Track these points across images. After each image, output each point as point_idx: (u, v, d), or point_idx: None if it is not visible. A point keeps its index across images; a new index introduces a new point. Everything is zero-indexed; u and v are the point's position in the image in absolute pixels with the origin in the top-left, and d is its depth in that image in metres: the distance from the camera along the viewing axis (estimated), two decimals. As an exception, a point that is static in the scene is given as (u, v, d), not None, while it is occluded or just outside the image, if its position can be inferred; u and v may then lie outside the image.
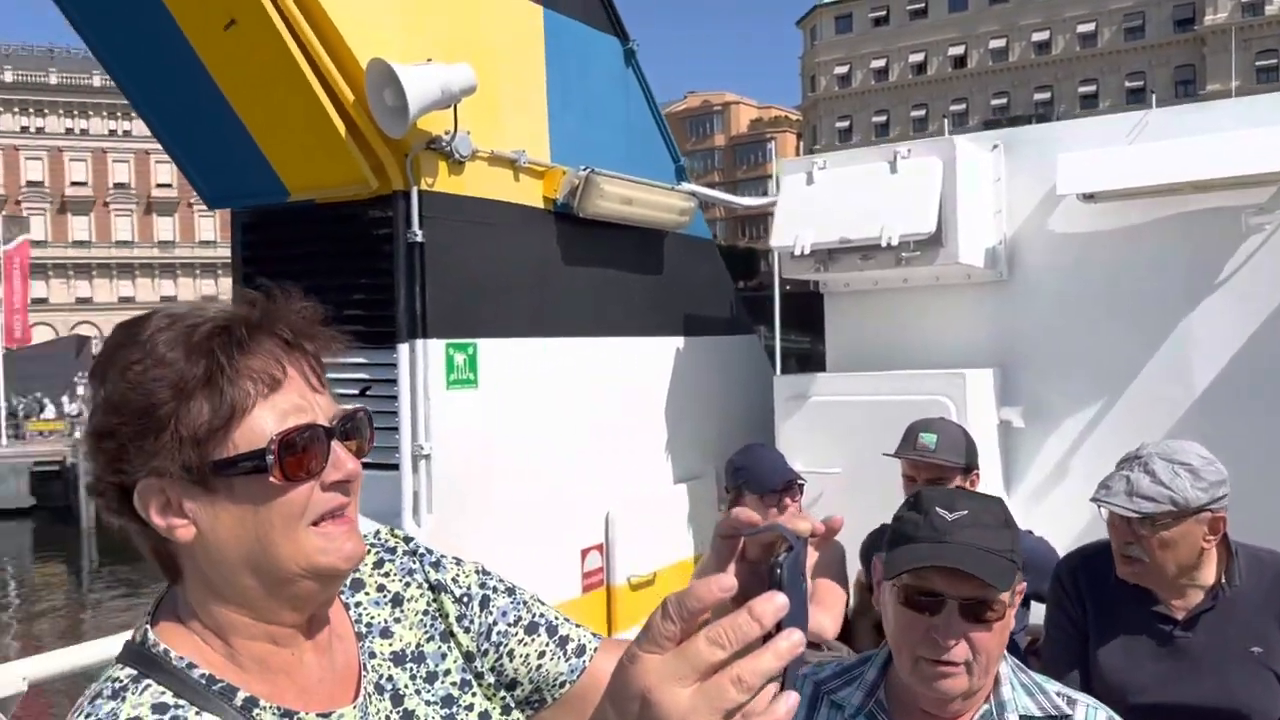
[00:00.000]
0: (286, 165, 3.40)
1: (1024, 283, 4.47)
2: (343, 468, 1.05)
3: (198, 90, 3.27)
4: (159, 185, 74.34)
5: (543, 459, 3.84)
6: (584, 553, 4.07)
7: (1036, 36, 65.60)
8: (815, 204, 4.32)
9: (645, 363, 4.50)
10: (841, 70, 72.44)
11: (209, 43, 3.17)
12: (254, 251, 3.66)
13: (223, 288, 75.86)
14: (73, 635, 20.32)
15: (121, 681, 1.01)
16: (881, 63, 71.15)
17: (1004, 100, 66.25)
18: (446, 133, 3.40)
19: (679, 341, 4.72)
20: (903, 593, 1.62)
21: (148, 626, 1.06)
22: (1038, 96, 65.09)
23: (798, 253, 4.24)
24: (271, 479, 1.00)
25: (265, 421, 1.00)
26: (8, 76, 70.71)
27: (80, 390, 41.36)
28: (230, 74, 3.23)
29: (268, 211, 3.59)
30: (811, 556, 0.96)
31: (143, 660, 1.03)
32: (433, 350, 3.40)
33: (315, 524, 1.03)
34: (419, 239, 3.35)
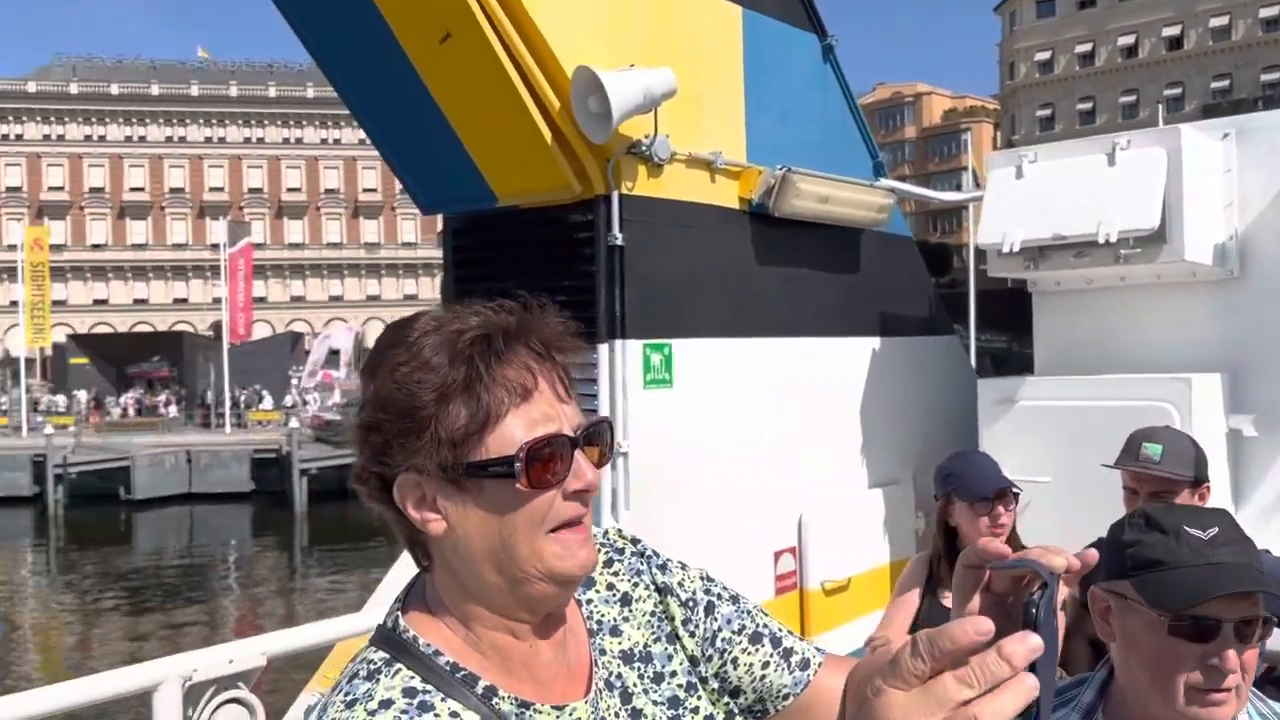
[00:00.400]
0: (495, 172, 3.54)
1: (1258, 281, 4.12)
2: (583, 477, 1.09)
3: (414, 101, 3.45)
4: (365, 190, 78.95)
5: (736, 459, 3.84)
6: (777, 555, 4.05)
7: (1265, 13, 60.31)
8: (1025, 198, 4.13)
9: (841, 363, 4.42)
10: (1043, 56, 68.87)
11: (425, 56, 3.34)
12: (464, 254, 3.83)
13: (421, 286, 79.76)
14: (285, 611, 21.89)
15: (375, 664, 1.07)
16: (1087, 47, 67.18)
17: (1226, 83, 61.24)
18: (646, 136, 3.45)
19: (875, 342, 4.62)
20: (1171, 622, 1.53)
21: (399, 613, 1.12)
22: (1266, 78, 59.83)
23: (1006, 250, 4.07)
24: (519, 486, 1.05)
25: (515, 429, 1.05)
26: (233, 91, 76.87)
27: (295, 383, 44.44)
28: (444, 85, 3.39)
29: (477, 216, 3.75)
30: (1062, 592, 0.92)
31: (393, 645, 1.09)
32: (631, 351, 3.46)
33: (553, 531, 1.07)
34: (619, 242, 3.42)
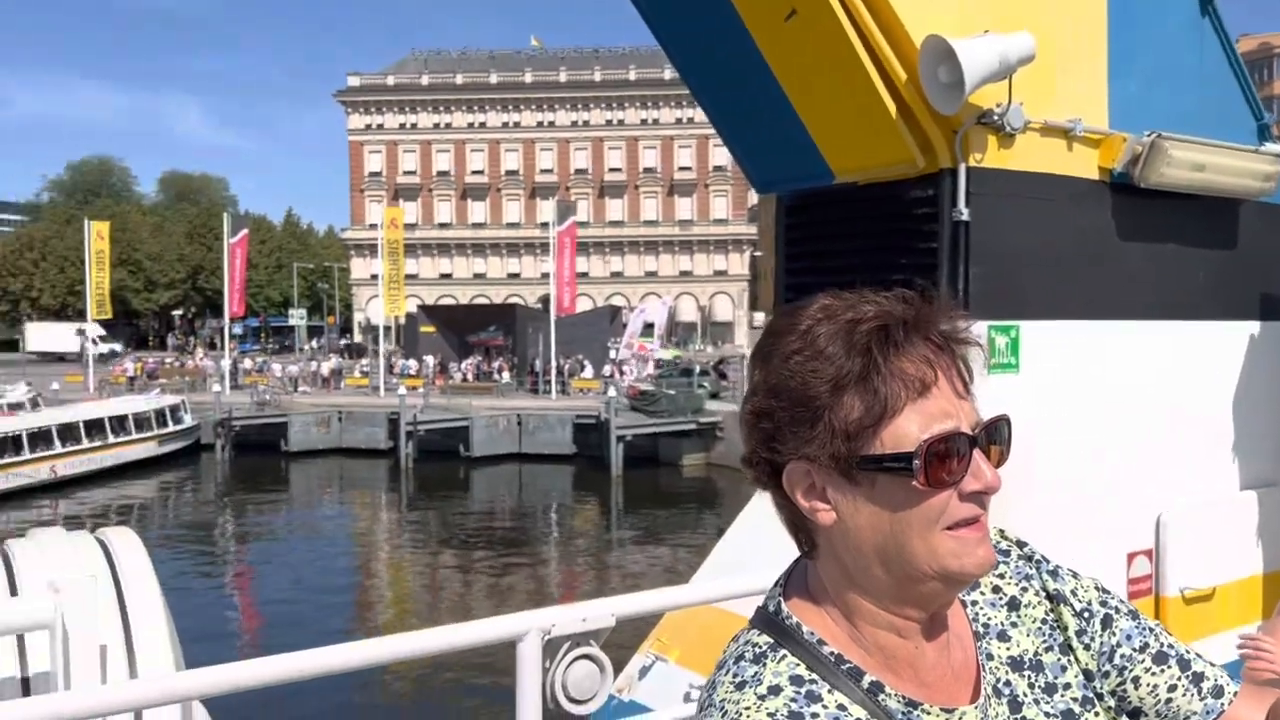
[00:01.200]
0: (834, 148, 3.48)
1: None
2: (982, 479, 1.04)
3: (754, 79, 3.46)
4: (680, 169, 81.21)
5: (1089, 452, 3.56)
6: (1130, 557, 3.72)
7: None
8: None
9: (1213, 350, 3.97)
10: None
11: (769, 33, 3.33)
12: (796, 233, 3.81)
13: (731, 262, 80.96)
14: (600, 566, 23.14)
15: (760, 648, 1.08)
16: None
17: None
18: (998, 105, 3.25)
19: (1254, 327, 4.10)
20: None
21: (780, 598, 1.12)
22: None
23: None
24: (914, 483, 1.01)
25: (911, 425, 1.01)
26: (562, 77, 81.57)
27: (612, 354, 46.66)
28: (786, 62, 3.37)
29: (810, 194, 3.71)
30: None
31: (776, 629, 1.09)
32: (974, 332, 3.28)
33: (949, 529, 1.03)
34: (964, 217, 3.25)
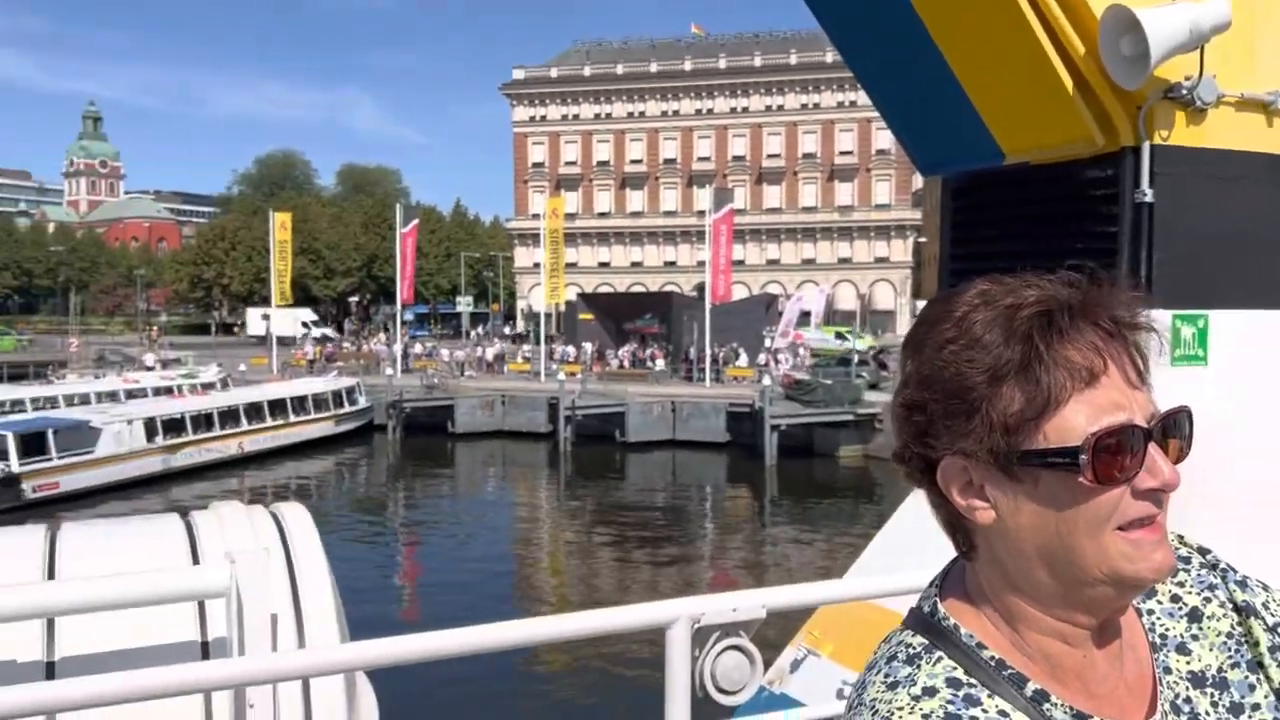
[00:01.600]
0: (1004, 127, 3.31)
1: None
2: (1158, 475, 0.96)
3: (918, 56, 3.33)
4: (841, 153, 79.72)
5: (1287, 453, 3.27)
6: (1331, 570, 3.40)
7: None
8: None
9: None
10: None
11: (935, 8, 3.19)
12: (963, 216, 3.65)
13: (894, 249, 79.00)
14: (752, 557, 23.05)
15: (914, 648, 1.03)
16: None
17: None
18: (1187, 78, 3.01)
19: None
20: None
21: (936, 599, 1.07)
22: None
23: None
24: (1081, 480, 0.94)
25: (1078, 417, 0.94)
26: (721, 64, 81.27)
27: (767, 342, 46.29)
28: (954, 37, 3.23)
29: (978, 175, 3.55)
30: None
31: (932, 630, 1.04)
32: (1157, 322, 3.06)
33: (1122, 529, 0.96)
34: (1148, 199, 3.04)
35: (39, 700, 1.75)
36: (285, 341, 57.69)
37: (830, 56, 76.43)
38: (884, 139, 77.22)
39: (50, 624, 2.46)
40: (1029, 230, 3.36)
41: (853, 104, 77.95)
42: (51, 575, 2.64)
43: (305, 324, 57.90)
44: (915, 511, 3.66)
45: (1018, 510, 0.98)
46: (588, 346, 49.06)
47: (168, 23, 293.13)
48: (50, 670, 2.41)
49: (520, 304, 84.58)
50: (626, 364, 46.27)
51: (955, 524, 1.05)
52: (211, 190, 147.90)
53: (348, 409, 39.50)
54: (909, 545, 3.54)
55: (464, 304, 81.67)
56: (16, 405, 34.76)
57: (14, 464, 25.63)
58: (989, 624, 1.03)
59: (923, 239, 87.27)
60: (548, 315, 51.65)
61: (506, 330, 77.08)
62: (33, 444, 26.70)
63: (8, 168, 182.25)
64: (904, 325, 73.35)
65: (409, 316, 65.03)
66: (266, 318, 56.77)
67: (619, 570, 21.71)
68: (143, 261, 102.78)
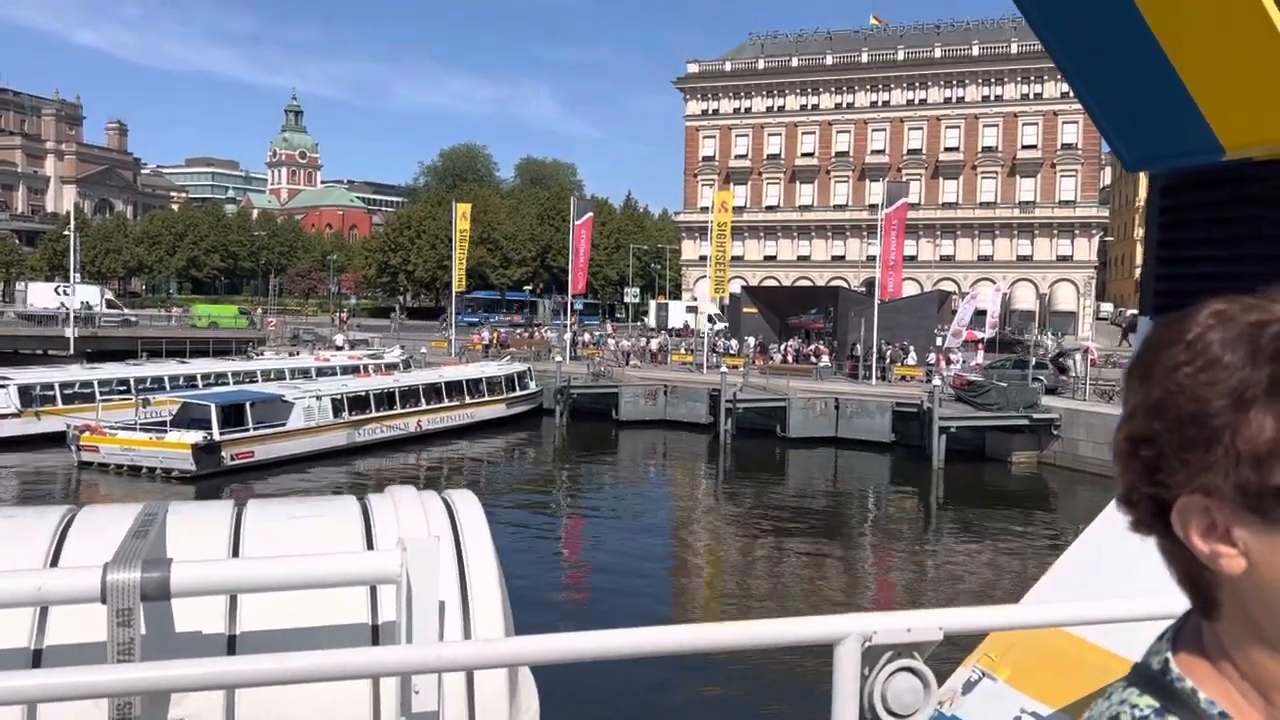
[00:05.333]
0: (1226, 119, 3.01)
1: None
2: None
3: (1129, 43, 3.06)
4: (1024, 147, 76.21)
5: None
6: None
7: None
8: None
9: None
10: None
11: (1150, -11, 2.93)
12: (1174, 217, 3.35)
13: (1078, 248, 75.01)
14: (916, 564, 22.35)
15: (1143, 712, 0.90)
16: None
17: None
18: None
19: None
20: None
21: (1169, 655, 0.94)
22: None
23: None
24: None
25: None
26: (899, 55, 79.04)
27: (938, 341, 44.83)
28: (1171, 20, 2.95)
29: (1195, 172, 3.24)
30: None
31: (1164, 693, 0.91)
32: None
33: None
34: (1398, 199, 2.70)
35: (223, 674, 1.81)
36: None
37: (1015, 47, 73.15)
38: (1070, 133, 73.37)
39: (233, 600, 2.58)
40: (1250, 232, 3.05)
41: (1037, 96, 74.36)
42: (236, 553, 2.77)
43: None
44: (1109, 531, 3.39)
45: (1275, 557, 0.84)
46: (750, 340, 48.78)
47: (360, 20, 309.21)
48: (231, 644, 2.53)
49: (686, 296, 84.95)
50: (790, 359, 45.72)
51: (1194, 576, 0.92)
52: (399, 180, 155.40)
53: (519, 393, 40.73)
54: (1098, 568, 3.29)
55: (631, 295, 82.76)
56: (220, 378, 37.53)
57: (215, 432, 27.63)
58: (1234, 691, 0.90)
59: (1110, 238, 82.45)
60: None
61: (678, 324, 77.77)
62: (232, 415, 28.73)
63: (219, 157, 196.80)
64: (1087, 328, 69.61)
65: (579, 306, 66.35)
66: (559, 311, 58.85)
67: (778, 570, 21.48)
68: (335, 247, 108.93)
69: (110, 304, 68.72)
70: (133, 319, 66.05)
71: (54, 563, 2.66)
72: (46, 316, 60.64)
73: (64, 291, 64.47)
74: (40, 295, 68.64)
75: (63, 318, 56.36)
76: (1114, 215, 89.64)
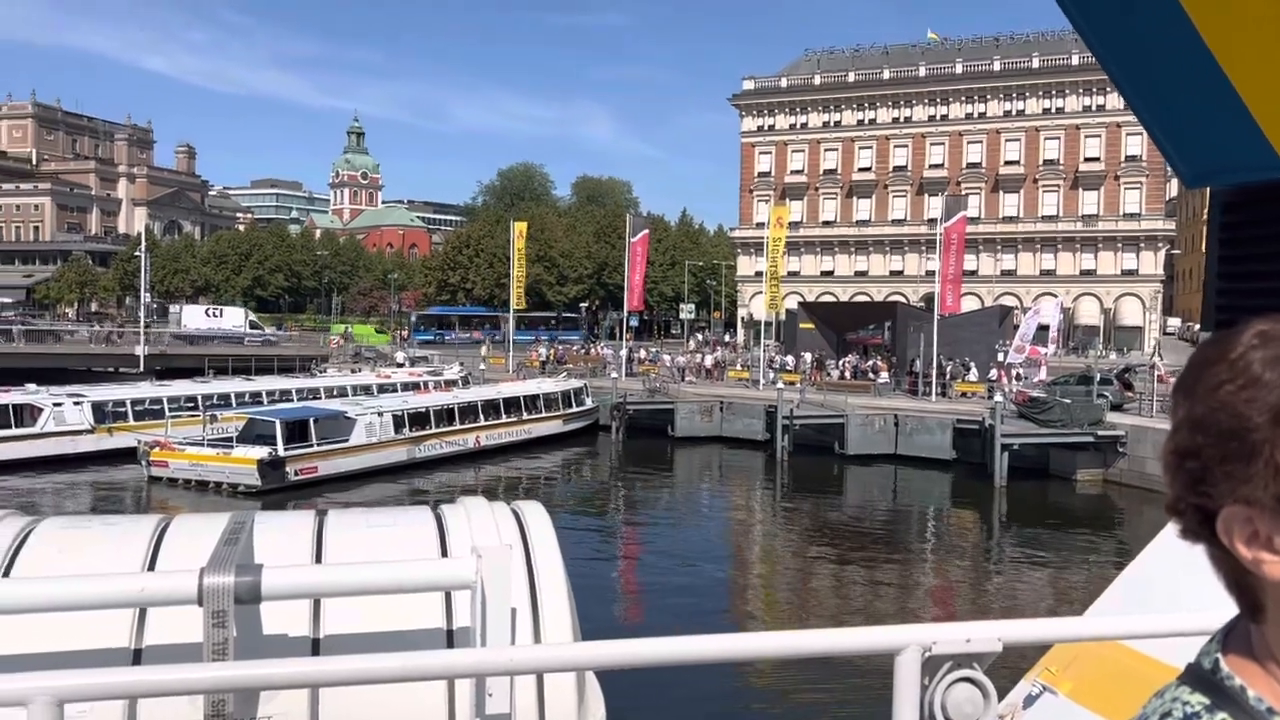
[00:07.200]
0: (1286, 134, 3.01)
1: None
2: None
3: (1185, 57, 3.08)
4: (1086, 159, 74.91)
5: None
6: None
7: None
8: None
9: None
10: None
11: (1202, 2, 2.95)
12: (1234, 233, 3.35)
13: (1143, 261, 73.47)
14: (976, 581, 22.01)
15: (1193, 708, 0.96)
16: None
17: None
18: None
19: None
20: None
21: (1219, 655, 1.00)
22: None
23: None
24: None
25: None
26: (958, 69, 78.28)
27: (1000, 358, 44.15)
28: (1225, 34, 2.97)
29: (1257, 188, 3.24)
30: None
31: (1214, 690, 0.97)
32: None
33: None
34: None
35: (312, 674, 1.92)
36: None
37: (1077, 59, 72.08)
38: (1135, 145, 71.99)
39: (317, 604, 2.70)
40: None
41: (1100, 108, 73.11)
42: (318, 559, 2.90)
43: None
44: (1167, 547, 3.38)
45: None
46: (807, 356, 48.49)
47: (419, 43, 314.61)
48: (315, 646, 2.65)
49: (741, 312, 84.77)
50: (847, 375, 45.35)
51: (1240, 581, 0.98)
52: (458, 200, 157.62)
53: (575, 409, 40.96)
54: (1160, 583, 3.28)
55: (686, 312, 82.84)
56: (284, 395, 38.32)
57: (281, 448, 28.22)
58: (1279, 688, 0.96)
59: (1176, 251, 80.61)
60: (767, 324, 51.47)
61: (730, 339, 77.77)
62: (296, 431, 29.32)
63: (283, 179, 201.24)
64: (1152, 343, 68.02)
65: (634, 322, 66.57)
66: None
67: (836, 586, 21.32)
68: (396, 266, 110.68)
69: (253, 325, 72.55)
70: (273, 339, 69.78)
71: (151, 567, 2.81)
72: (199, 336, 64.25)
73: (214, 314, 72.29)
74: (193, 317, 73.45)
75: (215, 338, 59.96)
76: (1181, 228, 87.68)
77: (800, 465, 35.53)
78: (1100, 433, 32.06)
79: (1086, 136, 74.49)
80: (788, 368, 47.35)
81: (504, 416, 37.25)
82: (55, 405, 33.10)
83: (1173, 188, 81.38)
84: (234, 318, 73.21)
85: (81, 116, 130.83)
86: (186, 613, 2.39)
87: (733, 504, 32.24)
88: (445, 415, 34.52)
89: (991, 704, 2.32)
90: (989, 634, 2.31)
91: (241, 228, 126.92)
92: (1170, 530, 0.99)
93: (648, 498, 32.11)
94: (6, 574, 2.79)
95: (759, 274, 65.88)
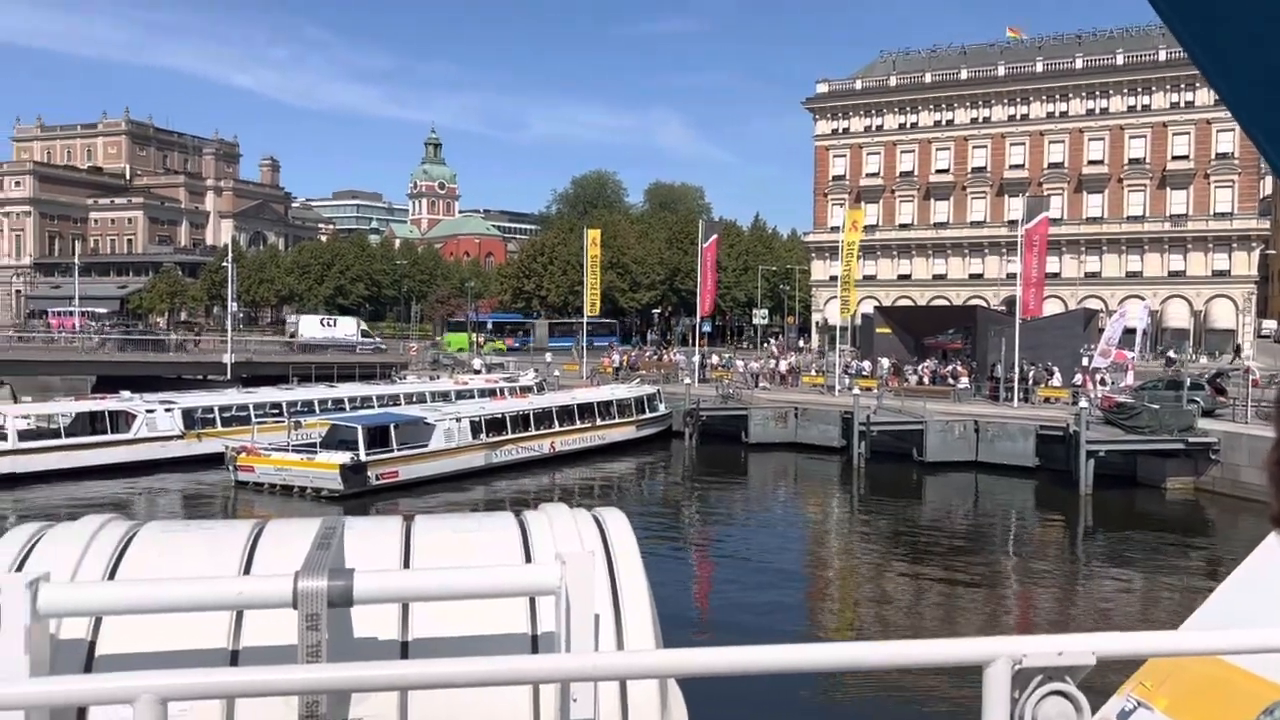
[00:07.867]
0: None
1: None
2: None
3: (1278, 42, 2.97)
4: (1174, 158, 72.62)
5: None
6: None
7: None
8: None
9: None
10: None
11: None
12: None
13: (1235, 262, 70.94)
14: (1063, 594, 21.44)
15: None
16: None
17: None
18: None
19: None
20: None
21: None
22: None
23: None
24: None
25: None
26: (1038, 67, 76.55)
27: (1084, 362, 43.00)
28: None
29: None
30: None
31: None
32: None
33: None
34: None
35: (404, 676, 1.97)
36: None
37: (1164, 54, 69.98)
38: (1225, 141, 69.57)
39: (405, 608, 2.76)
40: None
41: (1189, 104, 70.84)
42: (407, 564, 2.96)
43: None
44: (1270, 559, 3.26)
45: None
46: (884, 361, 47.84)
47: (492, 54, 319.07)
48: (404, 649, 2.71)
49: (815, 317, 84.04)
50: (926, 380, 44.61)
51: None
52: (533, 208, 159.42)
53: (648, 415, 41.05)
54: (1261, 596, 3.17)
55: (759, 317, 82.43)
56: (365, 401, 39.13)
57: (362, 453, 28.83)
58: None
59: (1271, 251, 77.60)
60: (843, 328, 50.94)
61: (806, 345, 77.19)
62: (377, 436, 29.93)
63: (363, 190, 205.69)
64: (1247, 347, 65.58)
65: (707, 328, 66.49)
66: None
67: (916, 596, 20.97)
68: (473, 274, 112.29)
69: (364, 334, 75.13)
70: (383, 346, 72.34)
71: (246, 571, 2.91)
72: (316, 345, 67.03)
73: (328, 324, 75.95)
74: (309, 327, 76.98)
75: (332, 347, 63.03)
76: (1276, 227, 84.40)
77: (877, 472, 35.05)
78: (1191, 439, 31.02)
79: (1174, 134, 72.23)
80: (864, 373, 46.76)
81: (578, 422, 37.51)
82: (148, 412, 34.30)
83: (1267, 185, 78.44)
84: (346, 327, 75.91)
85: (172, 133, 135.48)
86: (281, 615, 2.46)
87: (809, 511, 31.96)
88: (521, 421, 34.89)
89: (1085, 718, 2.26)
90: (1082, 647, 2.26)
91: (324, 238, 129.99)
92: (1273, 541, 0.96)
93: (722, 504, 32.01)
94: (112, 576, 2.90)
95: (833, 278, 65.29)
